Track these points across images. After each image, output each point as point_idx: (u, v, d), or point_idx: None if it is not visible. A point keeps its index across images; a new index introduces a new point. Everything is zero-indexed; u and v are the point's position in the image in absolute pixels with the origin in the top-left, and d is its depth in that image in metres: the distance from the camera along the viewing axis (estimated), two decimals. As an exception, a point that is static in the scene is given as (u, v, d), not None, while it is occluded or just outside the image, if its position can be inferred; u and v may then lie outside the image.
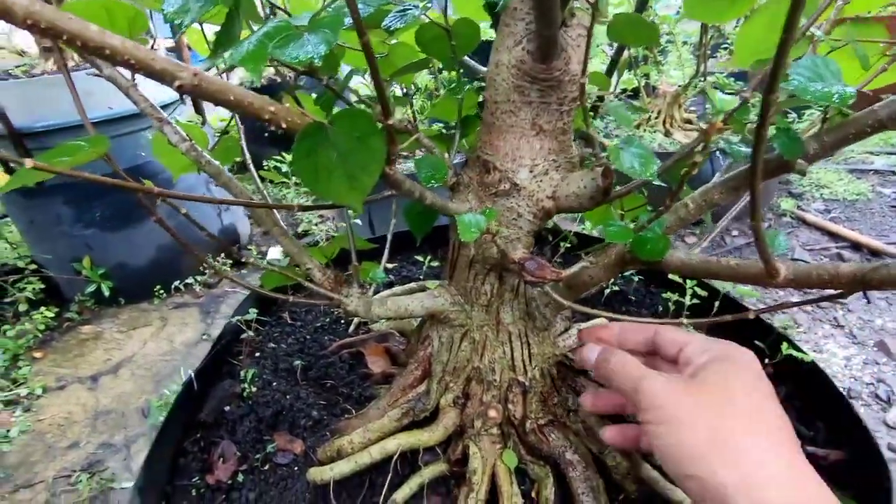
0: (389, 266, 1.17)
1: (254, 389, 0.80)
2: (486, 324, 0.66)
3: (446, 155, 0.60)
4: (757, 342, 0.78)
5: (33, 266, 1.85)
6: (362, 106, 0.60)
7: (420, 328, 0.73)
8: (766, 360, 0.76)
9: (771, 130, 0.45)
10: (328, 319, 0.98)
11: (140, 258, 1.92)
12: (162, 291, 1.95)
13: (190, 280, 2.00)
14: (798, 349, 0.72)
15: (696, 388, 0.41)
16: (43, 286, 1.85)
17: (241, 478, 0.69)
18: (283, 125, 0.40)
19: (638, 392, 0.43)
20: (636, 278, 0.98)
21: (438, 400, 0.70)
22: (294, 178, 2.21)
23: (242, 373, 0.81)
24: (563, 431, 0.66)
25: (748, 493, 0.34)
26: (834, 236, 2.14)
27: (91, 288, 1.83)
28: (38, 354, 1.69)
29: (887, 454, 1.30)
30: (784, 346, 0.73)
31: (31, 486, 1.27)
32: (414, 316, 0.67)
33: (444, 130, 0.71)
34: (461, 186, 0.60)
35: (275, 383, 0.81)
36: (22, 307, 1.74)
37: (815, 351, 1.64)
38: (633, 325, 0.54)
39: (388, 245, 0.75)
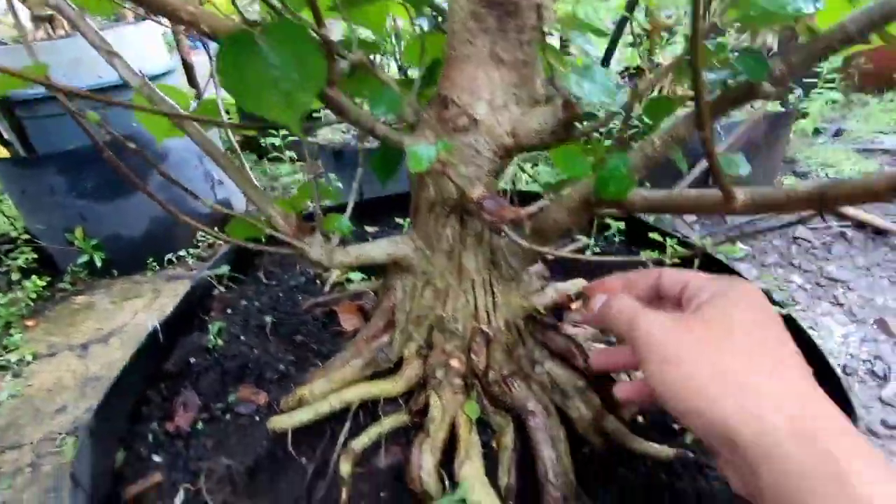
0: (370, 229, 1.16)
1: (221, 343, 0.79)
2: (448, 271, 0.64)
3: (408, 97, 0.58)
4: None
5: (26, 236, 1.85)
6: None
7: (386, 278, 0.71)
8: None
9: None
10: (304, 279, 0.97)
11: (133, 230, 1.92)
12: (155, 264, 1.96)
13: (183, 253, 2.00)
14: (777, 304, 0.70)
15: (696, 324, 0.39)
16: (36, 256, 1.86)
17: (200, 426, 0.68)
18: (206, 30, 0.38)
19: (634, 330, 0.41)
20: (617, 239, 0.96)
21: (402, 350, 0.68)
22: (290, 154, 2.20)
23: (211, 326, 0.80)
24: (526, 382, 0.64)
25: (749, 421, 0.33)
26: (838, 215, 2.09)
27: (83, 259, 1.83)
28: (30, 323, 1.71)
29: (881, 430, 1.27)
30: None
31: (18, 447, 1.28)
32: (375, 263, 0.65)
33: (405, 75, 0.69)
34: (420, 124, 0.58)
35: (243, 338, 0.80)
36: (14, 276, 1.75)
37: (811, 328, 1.61)
38: (638, 272, 0.53)
39: (353, 193, 0.73)
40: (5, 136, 1.84)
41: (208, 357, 0.77)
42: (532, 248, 0.56)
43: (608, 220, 0.94)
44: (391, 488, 0.61)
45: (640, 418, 0.64)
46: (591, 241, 0.95)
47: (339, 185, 1.62)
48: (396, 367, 0.68)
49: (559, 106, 0.52)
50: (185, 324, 0.83)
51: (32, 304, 1.75)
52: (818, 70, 2.47)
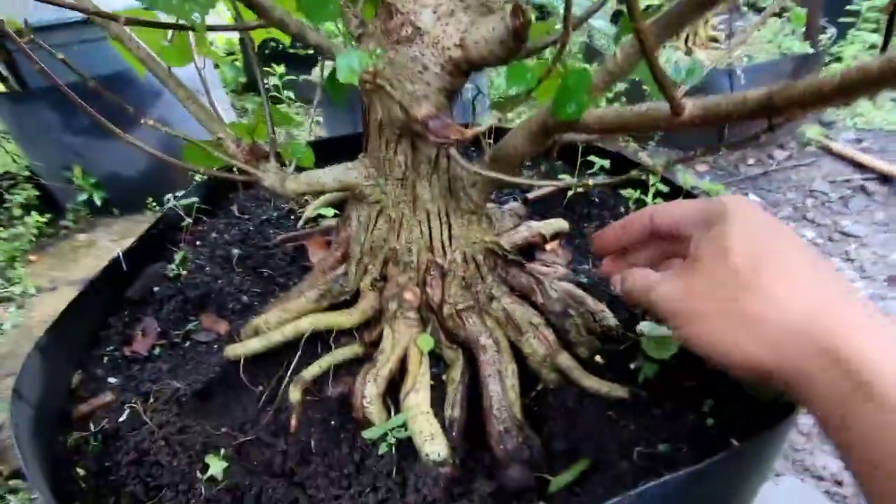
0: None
1: (185, 272, 0.78)
2: (402, 200, 0.61)
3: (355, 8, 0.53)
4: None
5: (27, 173, 1.87)
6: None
7: (344, 209, 0.69)
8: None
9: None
10: (277, 214, 0.95)
11: (131, 168, 1.92)
12: (154, 204, 1.96)
13: (180, 194, 1.99)
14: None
15: (700, 276, 0.39)
16: (38, 193, 1.88)
17: (157, 351, 0.68)
18: None
19: (653, 304, 0.42)
20: (601, 178, 0.91)
21: (358, 283, 0.66)
22: (288, 94, 2.14)
23: (175, 256, 0.79)
24: (481, 317, 0.62)
25: (771, 355, 0.34)
26: (861, 167, 1.98)
27: (83, 197, 1.85)
28: (33, 258, 1.75)
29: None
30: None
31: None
32: (327, 190, 0.62)
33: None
34: (364, 37, 0.53)
35: (208, 268, 0.79)
36: (16, 212, 1.78)
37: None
38: (630, 217, 0.51)
39: (312, 113, 0.69)
40: (2, 72, 1.82)
41: (171, 286, 0.76)
42: (486, 175, 0.52)
43: (592, 158, 0.89)
44: (340, 416, 0.61)
45: (598, 358, 0.62)
46: (575, 180, 0.90)
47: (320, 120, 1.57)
48: (353, 299, 0.67)
49: (508, 13, 0.47)
50: (151, 254, 0.82)
51: (35, 240, 1.79)
52: (856, 8, 2.27)
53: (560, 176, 0.94)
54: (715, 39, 2.26)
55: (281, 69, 1.96)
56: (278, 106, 2.56)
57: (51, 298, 1.58)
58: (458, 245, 0.63)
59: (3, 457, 1.16)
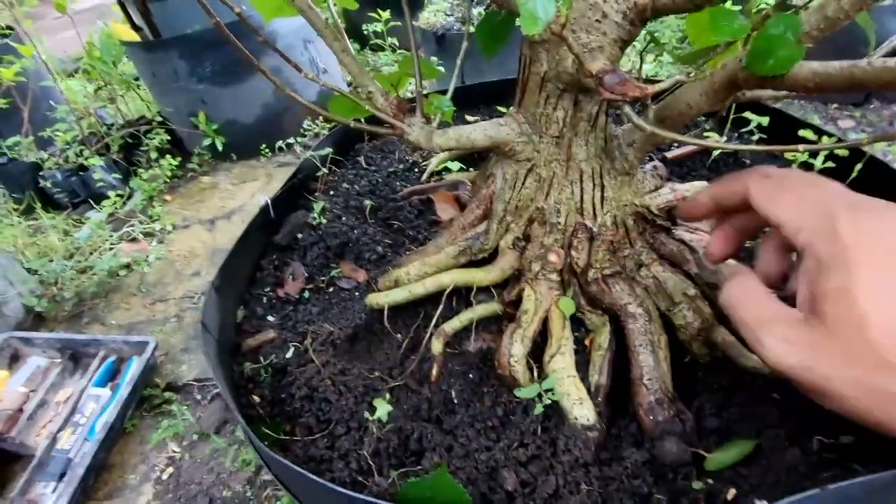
0: (471, 119, 1.10)
1: (324, 221, 0.82)
2: (555, 159, 0.59)
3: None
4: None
5: (159, 119, 2.03)
6: None
7: (486, 165, 0.68)
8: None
9: None
10: (402, 167, 0.96)
11: (248, 115, 2.02)
12: (267, 150, 2.08)
13: (291, 141, 2.09)
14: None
15: (828, 340, 0.32)
16: (168, 138, 2.05)
17: (307, 294, 0.73)
18: None
19: (764, 352, 0.36)
20: (756, 137, 0.82)
21: (498, 241, 0.66)
22: (392, 41, 2.12)
23: (315, 205, 0.83)
24: (629, 285, 0.60)
25: None
26: None
27: (207, 142, 1.99)
28: (168, 198, 1.93)
29: None
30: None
31: (165, 300, 1.51)
32: (476, 147, 0.61)
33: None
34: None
35: (344, 218, 0.83)
36: (153, 154, 1.96)
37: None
38: (723, 182, 0.45)
39: (455, 74, 0.67)
40: (136, 21, 1.96)
41: (313, 234, 0.81)
42: (654, 132, 0.48)
43: (747, 114, 0.80)
44: (479, 371, 0.62)
45: (755, 334, 0.58)
46: (723, 139, 0.82)
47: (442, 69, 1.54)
48: (491, 257, 0.67)
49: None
50: (292, 202, 0.87)
51: (168, 181, 1.97)
52: None
53: (707, 134, 0.86)
54: None
55: (386, 14, 1.94)
56: (380, 55, 2.56)
57: (184, 235, 1.75)
58: (609, 208, 0.60)
59: (158, 373, 1.34)
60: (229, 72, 1.89)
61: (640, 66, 0.58)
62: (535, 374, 0.58)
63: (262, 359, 0.62)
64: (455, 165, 0.92)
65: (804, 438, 0.47)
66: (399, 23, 2.05)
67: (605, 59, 0.49)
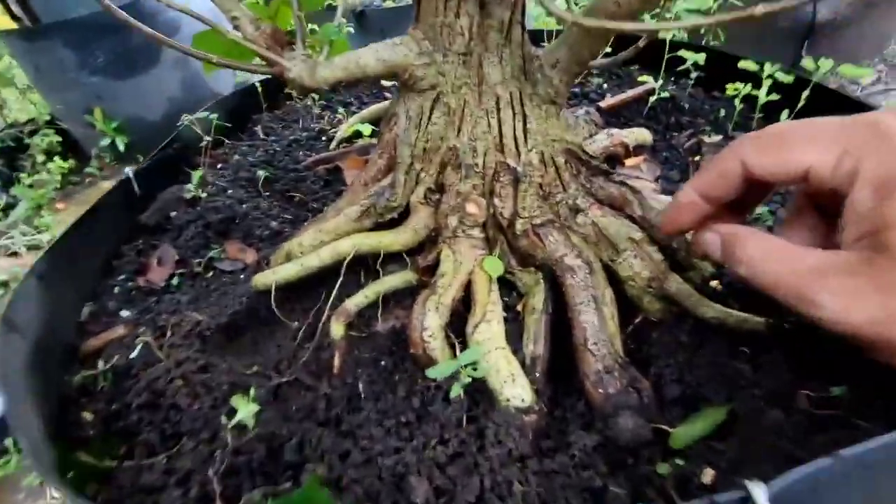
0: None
1: (204, 195, 0.67)
2: (464, 83, 0.48)
3: None
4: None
5: (47, 118, 1.79)
6: None
7: (388, 107, 0.56)
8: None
9: None
10: (306, 135, 0.83)
11: (153, 111, 1.82)
12: (179, 149, 1.87)
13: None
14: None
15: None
16: (60, 139, 1.81)
17: (176, 281, 0.58)
18: None
19: (818, 312, 0.28)
20: (692, 79, 0.74)
21: (407, 196, 0.54)
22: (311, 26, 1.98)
23: (193, 177, 0.68)
24: (565, 234, 0.49)
25: None
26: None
27: (106, 141, 1.77)
28: (60, 205, 1.69)
29: None
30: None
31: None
32: (369, 74, 0.49)
33: None
34: None
35: (230, 191, 0.69)
36: (39, 158, 1.71)
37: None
38: (709, 167, 0.35)
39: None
40: (14, 10, 1.72)
41: (190, 211, 0.66)
42: (576, 25, 0.38)
43: (682, 53, 0.72)
44: (392, 355, 0.50)
45: (715, 283, 0.49)
46: (659, 84, 0.75)
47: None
48: (402, 216, 0.55)
49: None
50: (167, 176, 0.72)
51: (60, 187, 1.73)
52: None
53: (640, 80, 0.78)
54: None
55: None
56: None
57: (79, 246, 1.53)
58: (535, 143, 0.50)
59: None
60: (126, 62, 1.68)
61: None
62: (458, 350, 0.47)
63: (102, 363, 0.47)
64: (367, 129, 0.79)
65: (786, 396, 0.37)
66: None
67: (511, -67, 0.38)
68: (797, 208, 0.37)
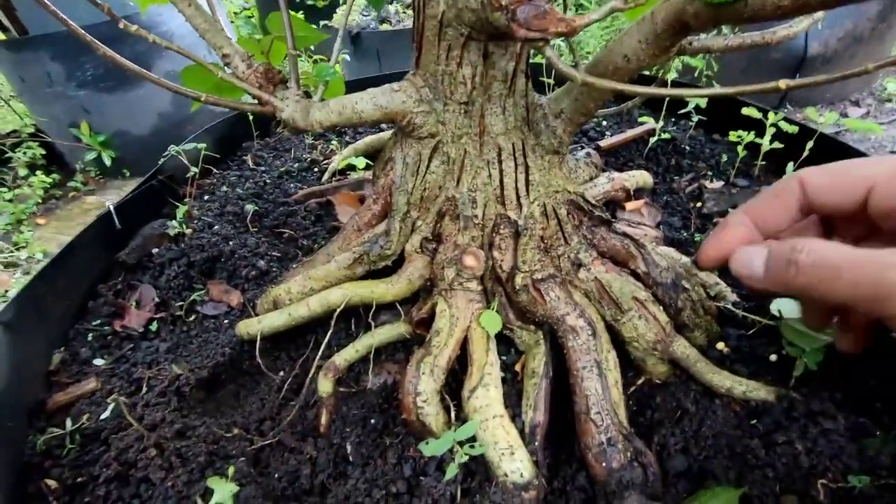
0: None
1: (189, 231, 0.64)
2: (465, 133, 0.46)
3: None
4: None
5: (31, 130, 1.75)
6: None
7: (384, 150, 0.54)
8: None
9: None
10: (298, 166, 0.80)
11: (141, 126, 1.78)
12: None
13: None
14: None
15: None
16: (44, 152, 1.76)
17: (155, 326, 0.55)
18: None
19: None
20: (693, 121, 0.73)
21: (402, 244, 0.52)
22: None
23: (178, 212, 0.65)
24: (566, 291, 0.47)
25: None
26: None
27: (92, 156, 1.72)
28: (41, 221, 1.64)
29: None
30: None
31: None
32: (364, 121, 0.47)
33: None
34: None
35: (217, 227, 0.66)
36: (21, 171, 1.67)
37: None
38: (763, 195, 0.33)
39: (340, 34, 0.53)
40: (2, 20, 1.69)
41: (173, 248, 0.63)
42: (587, 83, 0.36)
43: (684, 94, 0.71)
44: (383, 414, 0.47)
45: (721, 345, 0.47)
46: (660, 125, 0.73)
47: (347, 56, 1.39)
48: (396, 265, 0.53)
49: None
50: (151, 209, 0.69)
51: (42, 202, 1.68)
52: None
53: (641, 120, 0.77)
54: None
55: (299, 17, 1.79)
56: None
57: (59, 264, 1.48)
58: (537, 195, 0.48)
59: None
60: (115, 76, 1.65)
61: (565, 5, 0.46)
62: (453, 414, 0.44)
63: (70, 422, 0.44)
64: (361, 162, 0.77)
65: (802, 481, 0.35)
66: (314, 25, 1.90)
67: (518, -12, 0.36)
68: (799, 230, 0.34)
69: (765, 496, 0.36)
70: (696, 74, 1.59)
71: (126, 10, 1.67)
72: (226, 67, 0.51)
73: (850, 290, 0.26)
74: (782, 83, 0.29)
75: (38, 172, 1.67)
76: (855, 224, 0.32)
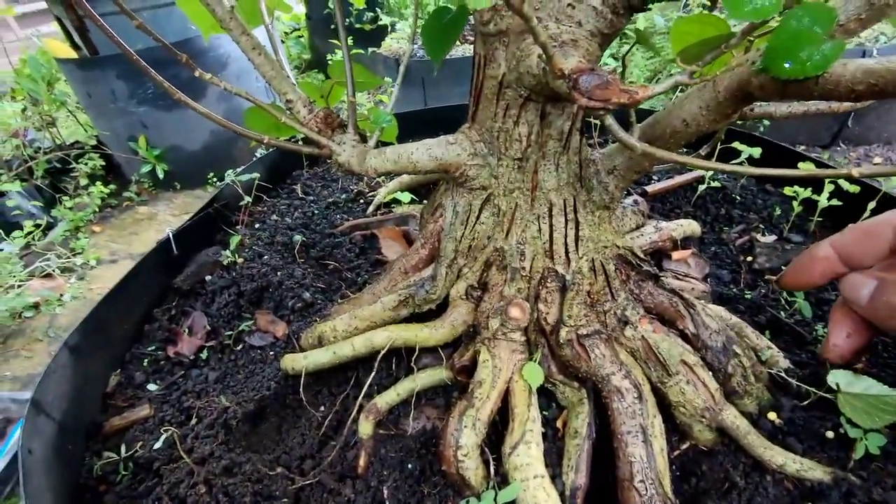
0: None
1: (240, 260, 0.67)
2: (517, 187, 0.46)
3: None
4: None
5: (93, 142, 1.86)
6: None
7: (434, 194, 0.55)
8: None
9: None
10: (345, 197, 0.82)
11: (194, 142, 1.87)
12: (215, 179, 1.91)
13: (240, 170, 1.94)
14: None
15: None
16: (104, 163, 1.87)
17: (205, 354, 0.57)
18: None
19: None
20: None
21: (447, 289, 0.53)
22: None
23: (231, 240, 0.68)
24: (612, 348, 0.46)
25: None
26: None
27: (147, 168, 1.81)
28: (97, 228, 1.73)
29: None
30: None
31: (76, 347, 1.30)
32: (419, 170, 0.48)
33: None
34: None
35: (266, 256, 0.68)
36: (82, 181, 1.77)
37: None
38: (853, 231, 0.36)
39: (401, 71, 0.55)
40: (75, 39, 1.81)
41: (225, 276, 0.65)
42: (645, 153, 0.36)
43: (736, 145, 0.70)
44: (421, 459, 0.47)
45: (773, 415, 0.45)
46: (710, 172, 0.72)
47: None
48: (440, 309, 0.53)
49: None
50: (206, 236, 0.72)
51: (99, 210, 1.78)
52: None
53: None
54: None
55: (349, 42, 1.85)
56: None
57: (110, 271, 1.55)
58: (586, 250, 0.48)
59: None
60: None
61: (623, 72, 0.47)
62: (492, 468, 0.44)
63: (124, 448, 0.46)
64: (406, 197, 0.79)
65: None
66: (361, 51, 1.96)
67: (581, 57, 0.37)
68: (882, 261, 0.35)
69: (820, 589, 0.34)
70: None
71: (187, 33, 1.78)
72: (287, 111, 0.53)
73: None
74: (855, 172, 0.29)
75: (97, 182, 1.77)
76: None
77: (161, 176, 1.83)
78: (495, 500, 0.38)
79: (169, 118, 1.78)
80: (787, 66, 0.33)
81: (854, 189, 0.58)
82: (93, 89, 1.73)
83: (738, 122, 0.72)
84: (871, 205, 0.57)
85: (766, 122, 1.80)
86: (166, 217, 1.80)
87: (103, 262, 1.59)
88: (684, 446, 0.46)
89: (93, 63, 1.69)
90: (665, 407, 0.46)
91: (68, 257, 1.56)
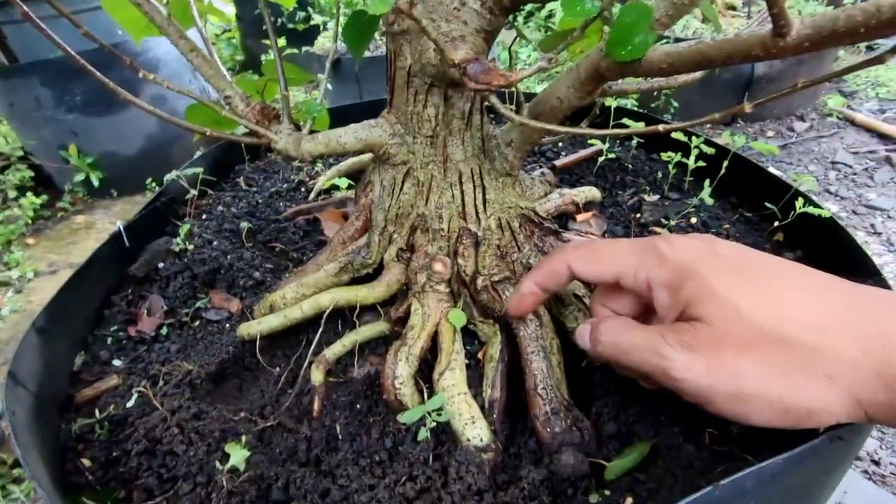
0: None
1: (191, 247, 0.72)
2: (431, 160, 0.55)
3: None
4: (768, 204, 0.65)
5: (19, 153, 1.80)
6: None
7: (365, 173, 0.63)
8: (777, 224, 0.64)
9: None
10: (287, 186, 0.89)
11: (129, 147, 1.85)
12: (154, 184, 1.90)
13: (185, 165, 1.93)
14: (815, 204, 0.60)
15: (723, 344, 0.34)
16: (33, 174, 1.81)
17: (165, 331, 0.63)
18: None
19: (673, 380, 0.36)
20: (634, 143, 0.84)
21: (381, 254, 0.61)
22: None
23: (180, 230, 0.73)
24: (519, 289, 0.56)
25: (811, 415, 0.34)
26: (885, 138, 1.91)
27: (80, 177, 1.78)
28: (30, 241, 1.69)
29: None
30: (799, 202, 0.60)
31: (21, 359, 1.29)
32: (347, 150, 0.56)
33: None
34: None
35: (215, 242, 0.74)
36: (11, 193, 1.72)
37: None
38: (539, 270, 0.48)
39: (327, 67, 0.62)
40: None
41: (177, 262, 0.71)
42: (525, 124, 0.46)
43: (625, 121, 0.83)
44: (367, 399, 0.56)
45: (646, 331, 0.56)
46: (605, 146, 0.84)
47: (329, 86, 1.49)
48: (376, 272, 0.62)
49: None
50: (155, 229, 0.76)
51: (32, 222, 1.73)
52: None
53: (591, 142, 0.88)
54: (732, 7, 2.18)
55: (282, 42, 1.88)
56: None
57: (50, 282, 1.53)
58: (493, 210, 0.57)
59: (4, 445, 1.12)
60: (104, 100, 1.72)
61: (511, 60, 0.56)
62: (426, 395, 0.53)
63: (98, 412, 0.51)
64: (344, 182, 0.86)
65: (699, 433, 0.45)
66: (296, 50, 2.00)
67: (469, 49, 0.46)
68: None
69: (671, 447, 0.45)
70: (654, 93, 1.73)
71: (113, 37, 1.75)
72: (226, 106, 0.59)
73: (640, 366, 0.38)
74: (661, 127, 0.39)
75: (27, 194, 1.72)
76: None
77: (96, 184, 1.80)
78: (425, 408, 0.46)
79: (100, 124, 1.75)
80: (622, 52, 0.43)
81: (711, 151, 0.71)
82: (15, 98, 1.68)
83: (616, 99, 0.85)
84: (725, 163, 0.70)
85: (676, 105, 1.98)
86: (105, 225, 1.78)
87: (42, 273, 1.56)
88: (583, 364, 0.57)
89: (13, 71, 1.65)
90: (564, 334, 0.56)
91: (2, 271, 1.52)
